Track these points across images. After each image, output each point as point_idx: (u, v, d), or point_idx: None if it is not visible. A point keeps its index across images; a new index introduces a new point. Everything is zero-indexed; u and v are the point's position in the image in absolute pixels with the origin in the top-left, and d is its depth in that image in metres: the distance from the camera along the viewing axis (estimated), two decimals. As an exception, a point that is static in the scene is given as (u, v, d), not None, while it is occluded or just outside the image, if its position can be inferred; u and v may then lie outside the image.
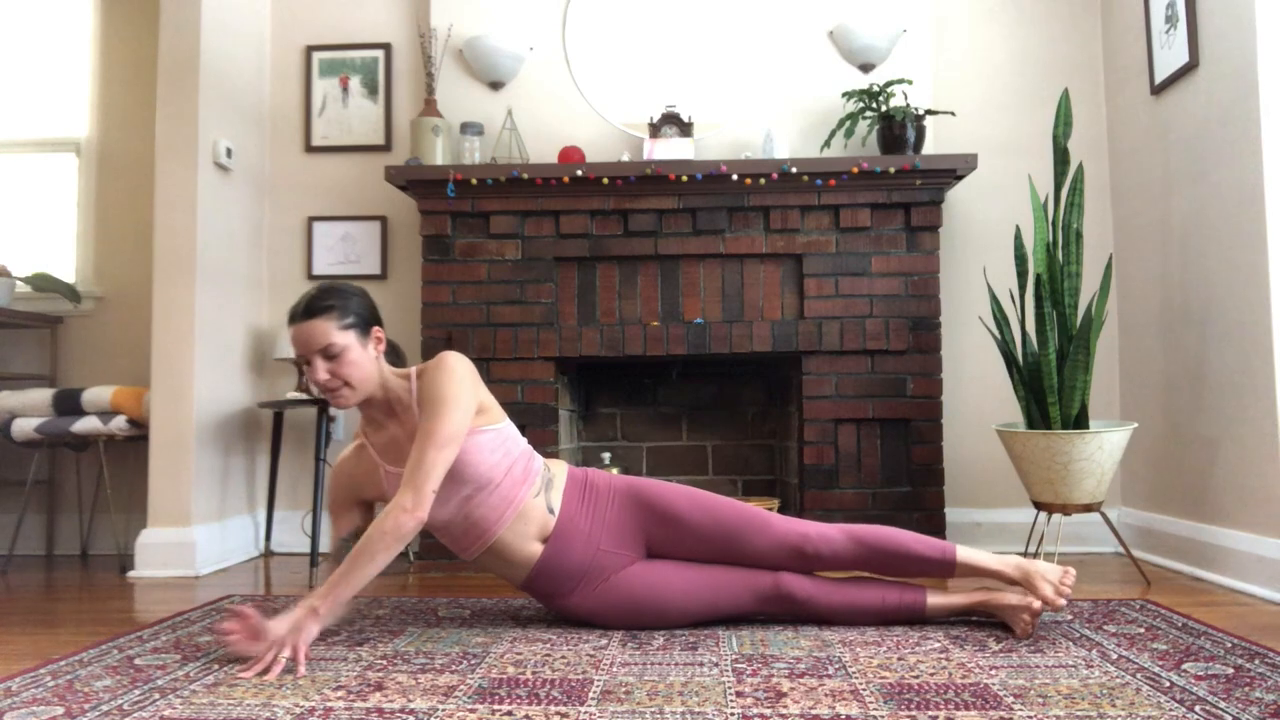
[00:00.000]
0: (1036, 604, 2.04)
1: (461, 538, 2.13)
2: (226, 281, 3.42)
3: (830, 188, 3.20)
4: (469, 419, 2.00)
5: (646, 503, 2.18)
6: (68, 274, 3.81)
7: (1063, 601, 2.02)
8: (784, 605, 2.15)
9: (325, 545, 3.25)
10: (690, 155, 3.29)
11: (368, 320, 2.03)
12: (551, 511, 2.14)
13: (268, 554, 3.33)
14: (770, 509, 3.13)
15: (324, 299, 1.98)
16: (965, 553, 2.13)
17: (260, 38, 3.71)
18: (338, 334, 1.95)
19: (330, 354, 1.95)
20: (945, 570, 2.13)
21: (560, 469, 2.23)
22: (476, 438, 2.04)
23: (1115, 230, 3.48)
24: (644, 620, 2.15)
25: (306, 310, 1.96)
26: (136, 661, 1.95)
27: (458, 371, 2.00)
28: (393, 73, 3.72)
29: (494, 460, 2.06)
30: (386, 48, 3.72)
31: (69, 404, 3.30)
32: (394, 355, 2.16)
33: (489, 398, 2.10)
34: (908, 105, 3.24)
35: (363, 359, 2.00)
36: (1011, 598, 2.10)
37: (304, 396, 3.33)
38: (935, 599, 2.16)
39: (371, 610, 2.44)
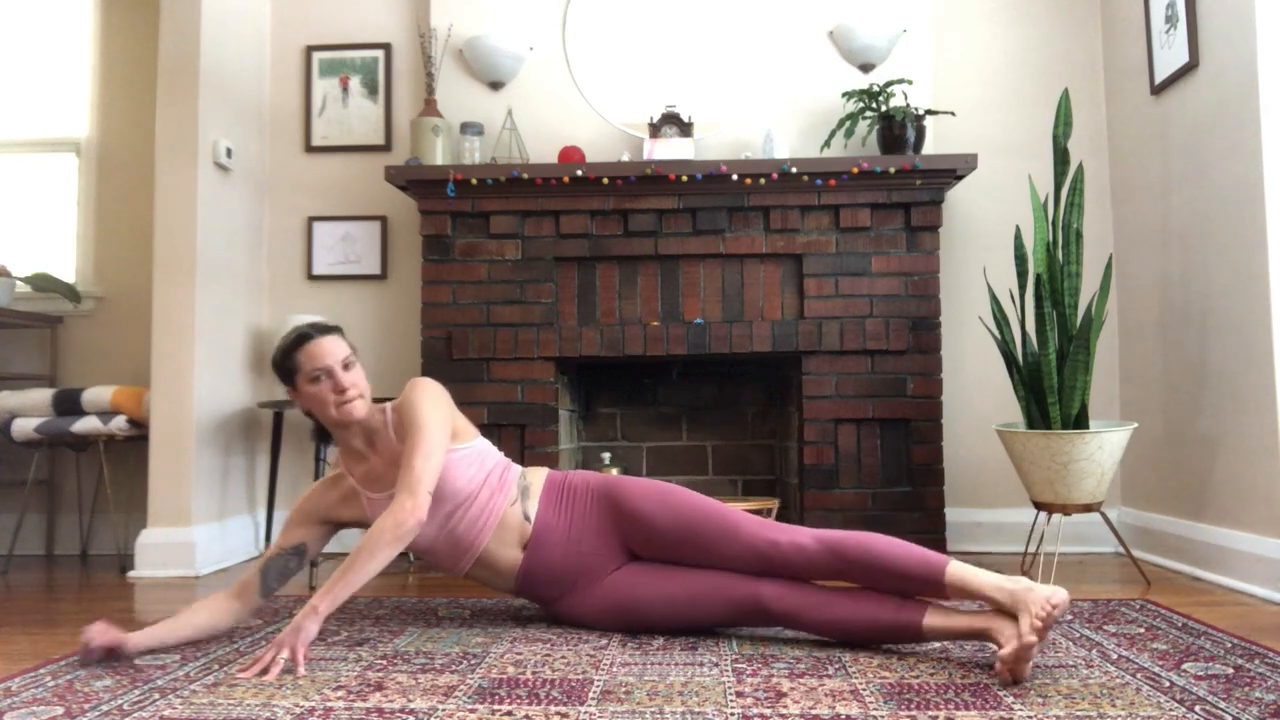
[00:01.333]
0: (1028, 639, 1.70)
1: (449, 555, 2.17)
2: (226, 281, 3.42)
3: (830, 188, 3.20)
4: (449, 431, 2.12)
5: (616, 502, 2.17)
6: (68, 274, 3.81)
7: (1033, 638, 1.67)
8: (763, 621, 2.05)
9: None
10: (690, 155, 3.29)
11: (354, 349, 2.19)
12: (527, 518, 2.17)
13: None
14: (770, 509, 3.14)
15: (325, 325, 2.16)
16: (957, 572, 1.85)
17: (260, 38, 3.71)
18: (348, 348, 2.13)
19: (348, 364, 2.11)
20: (933, 590, 1.88)
21: (538, 476, 2.26)
22: (452, 456, 2.12)
23: (1115, 230, 3.48)
24: (633, 628, 2.15)
25: (320, 329, 2.13)
26: (136, 661, 1.95)
27: (431, 391, 2.15)
28: (393, 73, 3.72)
29: (470, 474, 2.14)
30: (386, 48, 3.72)
31: (69, 404, 3.30)
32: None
33: (461, 419, 2.21)
34: (908, 105, 3.24)
35: (364, 375, 2.15)
36: (1006, 636, 1.76)
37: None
38: (933, 621, 1.88)
39: (371, 610, 2.44)
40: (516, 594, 2.23)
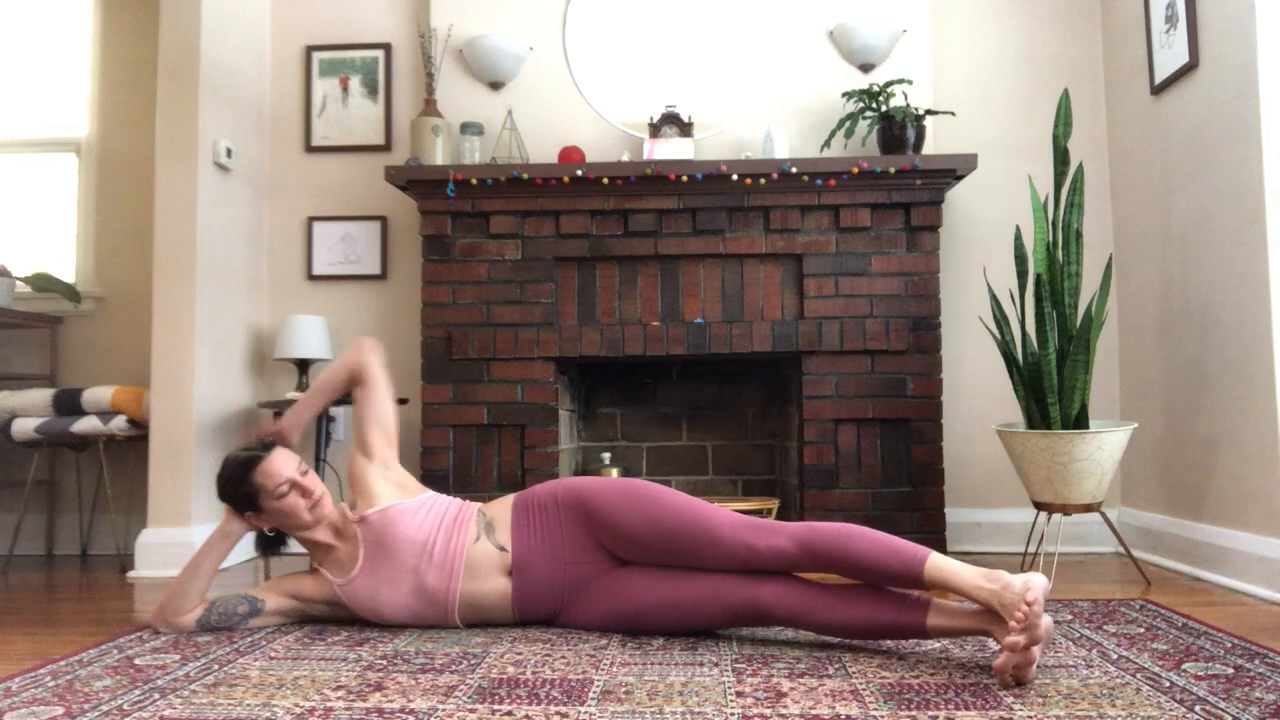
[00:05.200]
0: (1008, 640, 1.68)
1: (434, 612, 2.18)
2: (226, 281, 3.42)
3: (830, 188, 3.20)
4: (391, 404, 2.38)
5: (588, 513, 2.15)
6: (68, 274, 3.81)
7: (1016, 639, 1.65)
8: (765, 623, 2.04)
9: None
10: (690, 155, 3.29)
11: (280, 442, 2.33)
12: (503, 549, 2.17)
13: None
14: (769, 510, 3.14)
15: (264, 443, 2.27)
16: (936, 568, 1.82)
17: (260, 38, 3.71)
18: (297, 456, 2.25)
19: (304, 470, 2.23)
20: (913, 584, 1.87)
21: (503, 506, 2.26)
22: (398, 507, 2.19)
23: (1115, 230, 3.48)
24: (635, 631, 2.14)
25: (264, 447, 2.24)
26: (136, 661, 1.95)
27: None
28: (393, 73, 3.72)
29: (420, 520, 2.18)
30: (386, 48, 3.72)
31: (69, 404, 3.30)
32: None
33: (410, 479, 2.32)
34: (908, 105, 3.24)
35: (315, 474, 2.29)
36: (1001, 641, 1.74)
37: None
38: (936, 620, 1.86)
39: (371, 610, 2.44)
40: (517, 621, 2.22)
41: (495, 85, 3.54)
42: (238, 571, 3.21)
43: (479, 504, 2.29)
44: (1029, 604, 1.65)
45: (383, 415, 2.35)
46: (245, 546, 3.46)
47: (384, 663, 1.91)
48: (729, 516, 2.06)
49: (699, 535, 2.04)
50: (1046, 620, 1.73)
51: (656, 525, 2.08)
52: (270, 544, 2.32)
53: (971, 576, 1.80)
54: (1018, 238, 2.94)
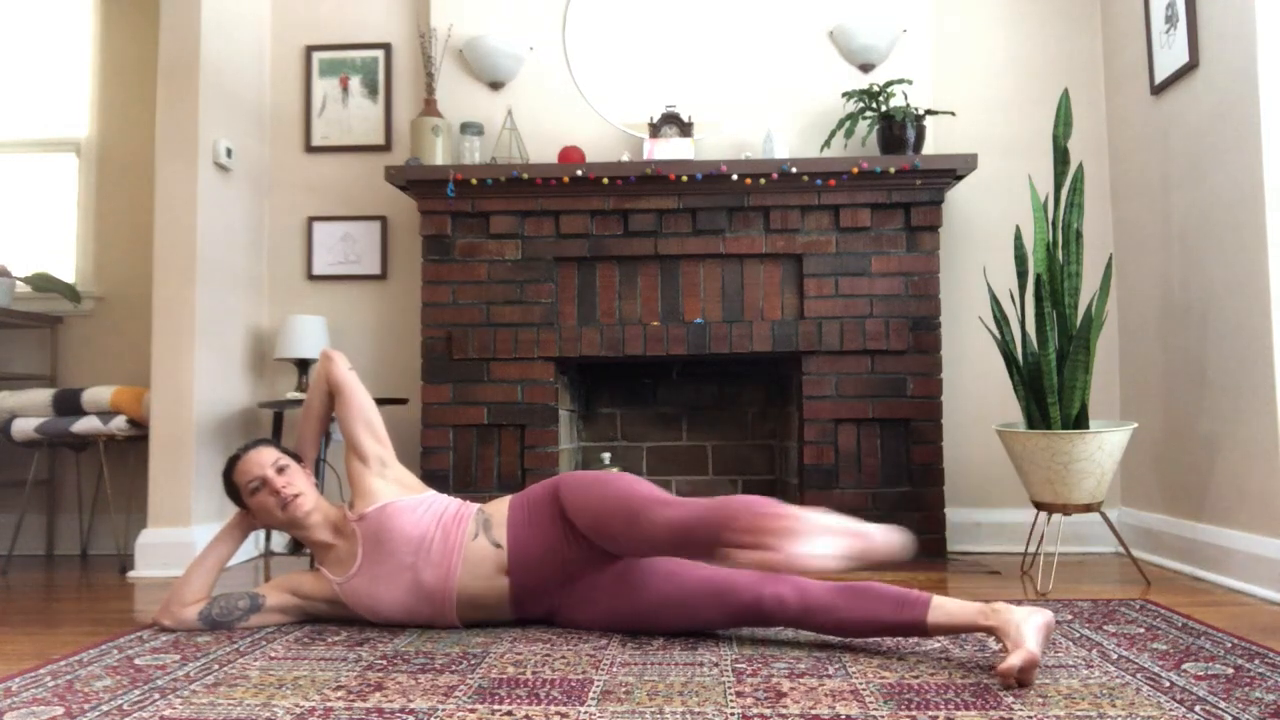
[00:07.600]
0: (1028, 655, 1.71)
1: (429, 609, 2.18)
2: (226, 281, 3.42)
3: (830, 188, 3.20)
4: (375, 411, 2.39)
5: (561, 506, 2.16)
6: (68, 274, 3.81)
7: (1035, 651, 1.69)
8: (763, 623, 2.03)
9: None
10: (690, 155, 3.30)
11: (296, 455, 2.36)
12: (499, 546, 2.17)
13: (268, 554, 3.33)
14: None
15: (256, 440, 2.36)
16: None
17: (260, 38, 3.71)
18: (281, 455, 2.29)
19: (280, 467, 2.26)
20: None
21: (500, 506, 2.26)
22: (397, 504, 2.20)
23: (1115, 230, 3.48)
24: (635, 631, 2.14)
25: (249, 446, 2.31)
26: (136, 661, 1.95)
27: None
28: (393, 73, 3.72)
29: (418, 517, 2.19)
30: (386, 48, 3.72)
31: (69, 404, 3.30)
32: None
33: (412, 478, 2.34)
34: (908, 105, 3.24)
35: (302, 474, 2.30)
36: (1010, 640, 1.77)
37: (304, 396, 3.32)
38: (936, 618, 1.87)
39: (371, 610, 2.44)
40: (516, 618, 2.23)
41: (495, 85, 3.54)
42: (239, 571, 3.21)
43: (477, 505, 2.30)
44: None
45: (365, 415, 2.35)
46: (245, 547, 3.47)
47: (384, 663, 1.91)
48: (670, 503, 2.00)
49: (628, 514, 2.00)
50: (1048, 617, 1.78)
51: (595, 510, 2.06)
52: (298, 543, 2.35)
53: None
54: (1018, 238, 2.94)
